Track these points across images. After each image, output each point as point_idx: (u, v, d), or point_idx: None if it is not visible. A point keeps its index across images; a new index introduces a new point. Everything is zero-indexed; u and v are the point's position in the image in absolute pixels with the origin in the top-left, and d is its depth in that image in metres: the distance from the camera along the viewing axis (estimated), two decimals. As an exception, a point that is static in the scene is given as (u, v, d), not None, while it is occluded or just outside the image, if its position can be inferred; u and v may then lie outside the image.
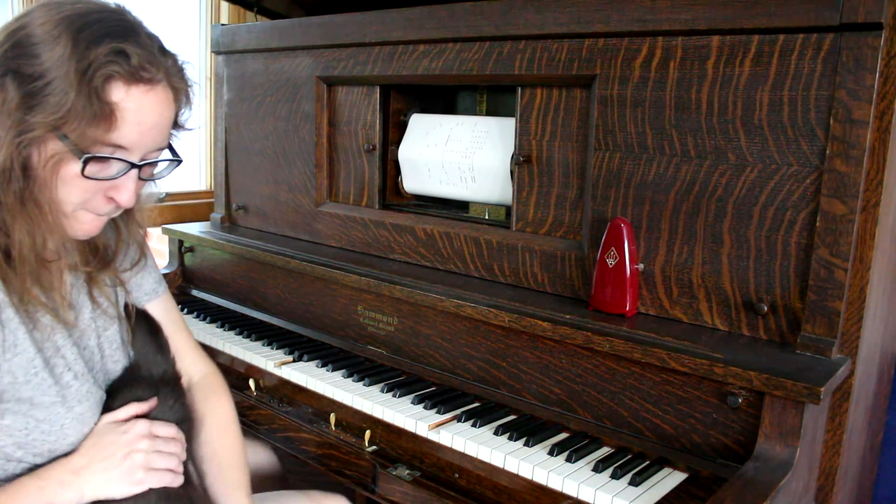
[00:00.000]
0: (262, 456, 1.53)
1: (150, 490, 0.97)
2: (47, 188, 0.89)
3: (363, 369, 1.60)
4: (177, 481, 1.01)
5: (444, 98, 1.96)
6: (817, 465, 1.24)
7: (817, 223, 1.17)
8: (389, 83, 1.81)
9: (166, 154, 1.00)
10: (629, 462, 1.21)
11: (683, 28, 1.27)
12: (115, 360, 1.08)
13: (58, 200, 0.91)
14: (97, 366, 1.05)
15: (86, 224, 0.95)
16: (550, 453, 1.24)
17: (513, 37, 1.50)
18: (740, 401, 1.14)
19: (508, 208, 1.65)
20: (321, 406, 1.54)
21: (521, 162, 1.55)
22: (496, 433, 1.31)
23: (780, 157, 1.21)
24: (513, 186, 1.58)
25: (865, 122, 1.12)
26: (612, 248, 1.35)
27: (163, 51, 0.94)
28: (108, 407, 1.02)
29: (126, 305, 1.14)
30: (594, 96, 1.40)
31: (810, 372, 1.10)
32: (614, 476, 1.16)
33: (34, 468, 0.93)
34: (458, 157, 1.72)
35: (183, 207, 2.63)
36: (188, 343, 1.25)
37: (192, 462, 1.12)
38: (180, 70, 0.97)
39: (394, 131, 1.89)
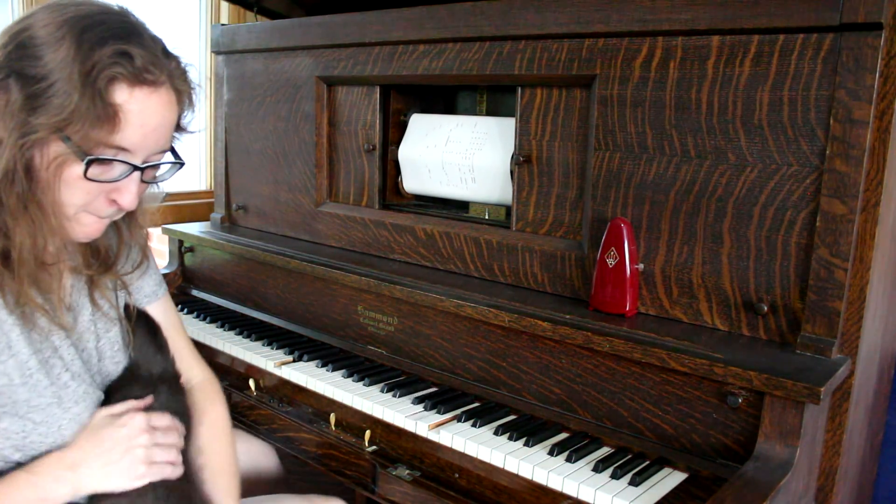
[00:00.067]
0: (264, 457, 1.53)
1: (150, 483, 0.96)
2: (50, 190, 0.89)
3: (363, 369, 1.60)
4: (176, 472, 1.00)
5: (444, 98, 1.96)
6: (817, 465, 1.24)
7: (817, 223, 1.17)
8: (389, 83, 1.81)
9: (168, 157, 1.00)
10: (629, 462, 1.21)
11: (683, 28, 1.27)
12: (117, 362, 1.08)
13: (60, 202, 0.91)
14: (94, 367, 1.05)
15: (87, 226, 0.95)
16: (550, 453, 1.24)
17: (513, 37, 1.50)
18: (740, 401, 1.14)
19: (508, 208, 1.66)
20: (321, 406, 1.54)
21: (521, 162, 1.55)
22: (496, 433, 1.31)
23: (780, 157, 1.21)
24: (513, 186, 1.59)
25: (865, 122, 1.12)
26: (612, 248, 1.35)
27: (166, 53, 0.94)
28: (106, 405, 1.02)
29: (126, 306, 1.14)
30: (594, 96, 1.41)
31: (810, 372, 1.10)
32: (614, 476, 1.16)
33: None
34: (458, 158, 1.72)
35: (183, 207, 2.63)
36: (186, 348, 1.25)
37: (189, 455, 1.11)
38: (183, 72, 0.97)
39: (394, 131, 1.89)
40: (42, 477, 0.91)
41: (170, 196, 2.59)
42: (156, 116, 0.91)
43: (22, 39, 0.87)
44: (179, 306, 2.04)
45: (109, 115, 0.86)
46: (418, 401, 1.44)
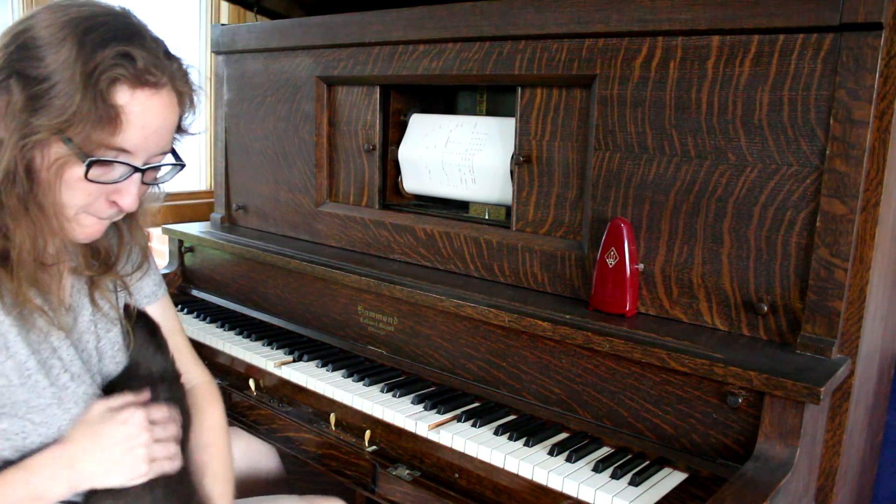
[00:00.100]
0: (264, 457, 1.53)
1: (148, 483, 0.96)
2: (50, 191, 0.89)
3: (363, 369, 1.60)
4: (175, 465, 1.00)
5: (444, 98, 1.96)
6: (817, 465, 1.24)
7: (817, 223, 1.17)
8: (389, 83, 1.81)
9: (169, 158, 1.00)
10: (629, 462, 1.21)
11: (683, 28, 1.27)
12: (117, 362, 1.08)
13: (60, 204, 0.91)
14: (95, 367, 1.04)
15: (88, 228, 0.95)
16: (550, 453, 1.24)
17: (513, 37, 1.50)
18: (740, 401, 1.14)
19: (508, 208, 1.66)
20: (321, 406, 1.54)
21: (521, 162, 1.55)
22: (496, 433, 1.31)
23: (780, 157, 1.21)
24: (513, 186, 1.59)
25: (865, 123, 1.12)
26: (612, 248, 1.35)
27: (168, 54, 0.94)
28: None
29: (126, 307, 1.14)
30: (594, 96, 1.41)
31: (810, 372, 1.10)
32: (614, 476, 1.16)
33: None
34: (458, 158, 1.72)
35: (183, 207, 2.63)
36: (184, 349, 1.25)
37: (189, 453, 1.11)
38: (185, 74, 0.97)
39: (394, 131, 1.89)
40: (37, 475, 0.90)
41: (170, 196, 2.58)
42: (157, 118, 0.91)
43: (23, 40, 0.87)
44: (179, 306, 2.04)
45: (111, 117, 0.86)
46: (418, 401, 1.44)
